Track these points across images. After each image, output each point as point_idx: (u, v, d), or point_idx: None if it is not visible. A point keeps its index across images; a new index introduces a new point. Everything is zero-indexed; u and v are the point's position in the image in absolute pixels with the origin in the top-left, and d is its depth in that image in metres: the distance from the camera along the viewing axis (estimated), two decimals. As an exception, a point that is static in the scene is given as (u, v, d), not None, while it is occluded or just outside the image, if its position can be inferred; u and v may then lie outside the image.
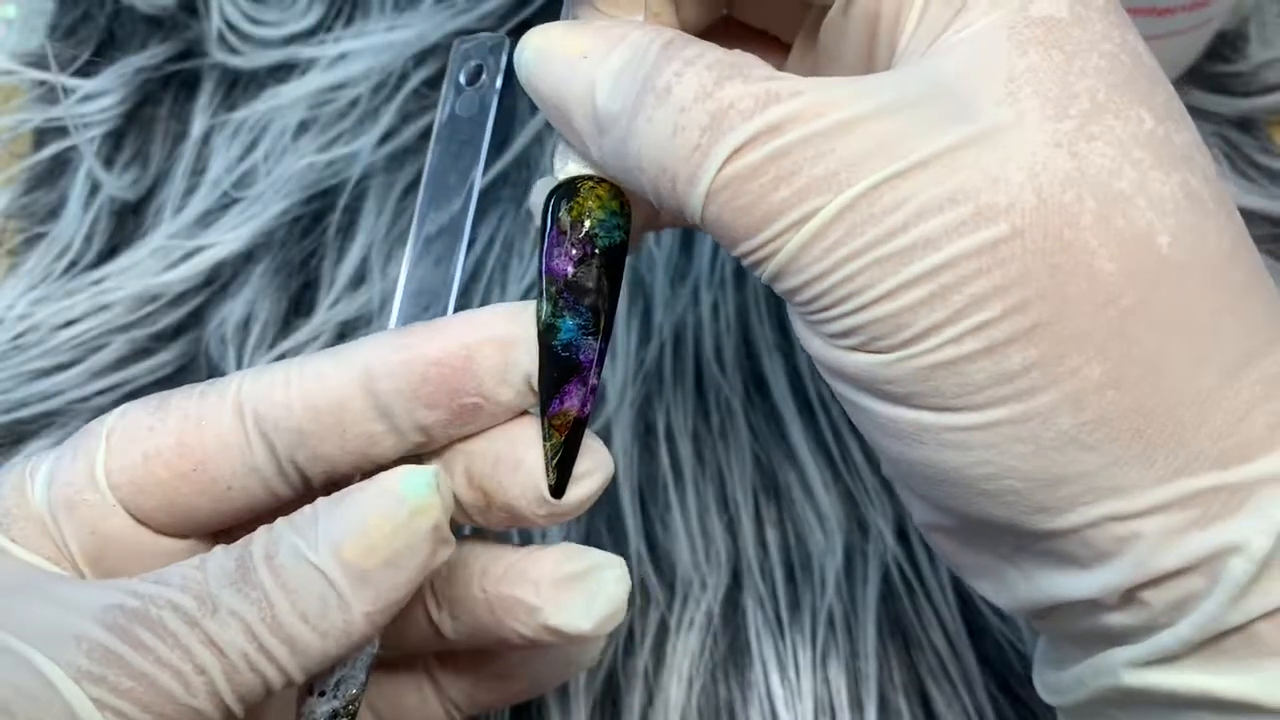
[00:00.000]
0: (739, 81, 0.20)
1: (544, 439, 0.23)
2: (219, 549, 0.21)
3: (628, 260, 0.25)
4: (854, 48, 0.23)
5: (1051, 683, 0.23)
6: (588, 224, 0.23)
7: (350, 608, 0.20)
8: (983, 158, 0.19)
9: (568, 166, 0.23)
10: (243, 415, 0.22)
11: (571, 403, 0.23)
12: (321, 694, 0.23)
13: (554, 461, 0.23)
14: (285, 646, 0.20)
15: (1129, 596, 0.20)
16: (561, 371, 0.23)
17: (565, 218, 0.23)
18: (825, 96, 0.19)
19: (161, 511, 0.22)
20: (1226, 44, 0.45)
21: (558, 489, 0.23)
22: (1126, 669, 0.20)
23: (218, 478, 0.22)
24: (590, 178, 0.23)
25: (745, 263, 0.21)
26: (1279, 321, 0.20)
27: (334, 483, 0.23)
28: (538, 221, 0.25)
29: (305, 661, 0.20)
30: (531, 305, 0.23)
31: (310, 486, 0.23)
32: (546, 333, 0.23)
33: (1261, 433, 0.19)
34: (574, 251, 0.23)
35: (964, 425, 0.19)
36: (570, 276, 0.23)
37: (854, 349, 0.20)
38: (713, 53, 0.21)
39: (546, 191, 0.24)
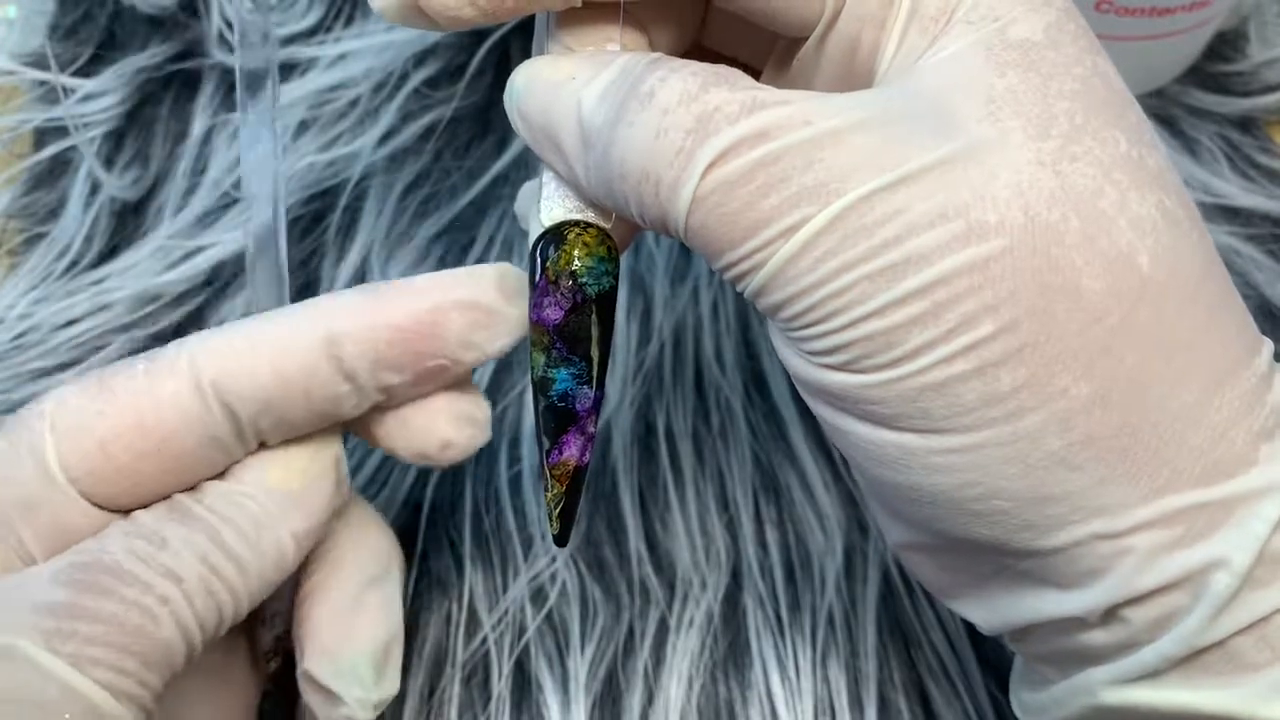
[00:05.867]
0: (725, 88, 0.20)
1: (545, 489, 0.23)
2: (139, 510, 0.23)
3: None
4: (828, 76, 0.23)
5: (1028, 703, 0.23)
6: (576, 272, 0.22)
7: (280, 526, 0.23)
8: (970, 174, 0.19)
9: (553, 212, 0.23)
10: (201, 388, 0.22)
11: (571, 452, 0.23)
12: (262, 621, 0.27)
13: (556, 511, 0.23)
14: (233, 565, 0.22)
15: (1111, 614, 0.20)
16: (559, 422, 0.23)
17: (553, 266, 0.22)
18: (811, 107, 0.19)
19: (124, 494, 0.22)
20: (1226, 44, 0.45)
21: (561, 537, 0.24)
22: (1106, 687, 0.20)
23: (181, 452, 0.22)
24: (577, 223, 0.23)
25: (729, 275, 0.20)
26: (1250, 338, 0.20)
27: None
28: (523, 225, 0.25)
29: (249, 583, 0.22)
30: (489, 267, 0.24)
31: (265, 447, 0.24)
32: (541, 384, 0.23)
33: (1241, 449, 0.19)
34: (564, 300, 0.22)
35: (951, 447, 0.19)
36: (561, 326, 0.22)
37: (839, 368, 0.20)
38: (697, 64, 0.21)
39: (532, 197, 0.24)
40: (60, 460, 0.22)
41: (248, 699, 0.27)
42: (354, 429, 0.25)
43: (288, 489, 0.23)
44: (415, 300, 0.23)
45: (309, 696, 0.25)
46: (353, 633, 0.25)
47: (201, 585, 0.21)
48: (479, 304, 0.23)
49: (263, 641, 0.27)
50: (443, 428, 0.25)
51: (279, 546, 0.23)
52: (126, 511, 0.23)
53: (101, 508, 0.22)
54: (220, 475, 0.23)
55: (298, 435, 0.24)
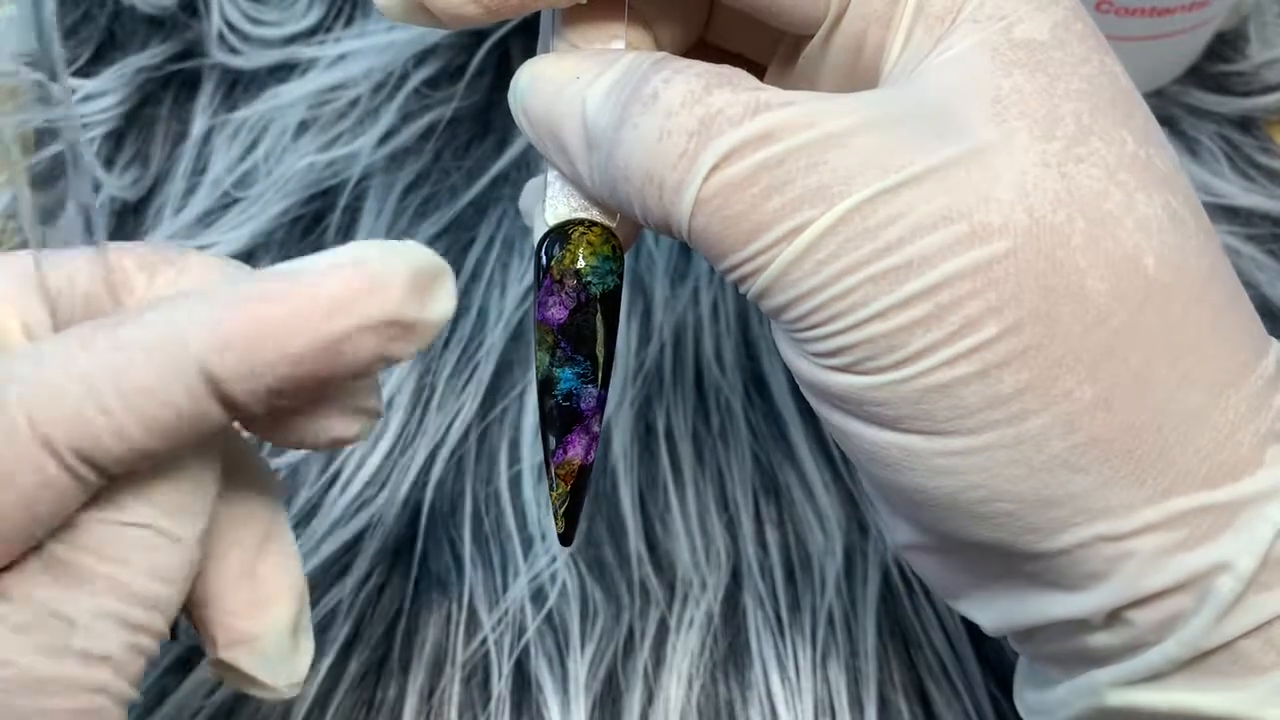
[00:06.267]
0: (728, 89, 0.20)
1: (550, 488, 0.23)
2: (9, 582, 0.18)
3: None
4: (834, 74, 0.23)
5: (1033, 703, 0.23)
6: (581, 271, 0.22)
7: (187, 545, 0.19)
8: (974, 176, 0.19)
9: (558, 211, 0.23)
10: (58, 454, 0.17)
11: (575, 451, 0.23)
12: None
13: (561, 510, 0.23)
14: (153, 611, 0.19)
15: (1115, 616, 0.20)
16: (564, 421, 0.23)
17: (558, 266, 0.22)
18: (815, 108, 0.19)
19: None
20: (1226, 44, 0.45)
21: (566, 537, 0.23)
22: (1111, 689, 0.20)
23: (39, 514, 0.18)
24: (581, 222, 0.23)
25: (732, 277, 0.20)
26: (1258, 340, 0.20)
27: None
28: (527, 222, 0.25)
29: (170, 613, 0.19)
30: (400, 261, 0.19)
31: None
32: (546, 384, 0.22)
33: (1247, 452, 0.19)
34: (568, 300, 0.22)
35: (954, 450, 0.19)
36: (566, 325, 0.22)
37: (843, 370, 0.20)
38: (702, 65, 0.20)
39: (537, 193, 0.24)
40: None
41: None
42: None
43: (177, 499, 0.19)
44: (315, 326, 0.18)
45: (227, 678, 0.22)
46: (264, 610, 0.22)
47: (129, 653, 0.18)
48: (393, 320, 0.19)
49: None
50: (334, 426, 0.21)
51: (190, 561, 0.20)
52: None
53: None
54: (89, 503, 0.19)
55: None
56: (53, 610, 0.18)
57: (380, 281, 0.19)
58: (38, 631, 0.17)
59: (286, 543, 0.23)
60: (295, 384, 0.19)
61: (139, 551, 0.19)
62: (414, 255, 0.19)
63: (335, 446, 0.21)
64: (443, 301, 0.20)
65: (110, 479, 0.19)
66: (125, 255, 0.21)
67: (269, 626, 0.21)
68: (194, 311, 0.18)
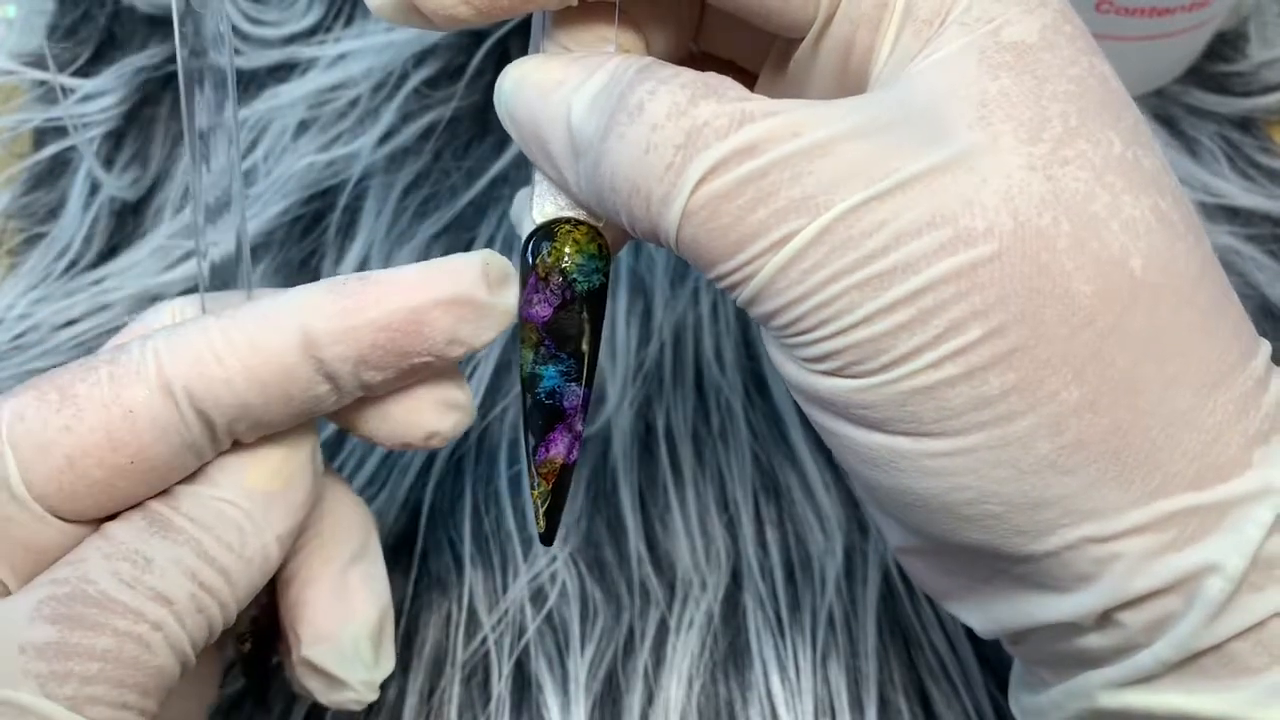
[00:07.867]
0: (713, 100, 0.20)
1: (532, 487, 0.23)
2: (113, 523, 0.21)
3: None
4: (824, 78, 0.23)
5: (1028, 706, 0.23)
6: (566, 268, 0.22)
7: (265, 531, 0.22)
8: (959, 181, 0.19)
9: (545, 209, 0.23)
10: (174, 395, 0.21)
11: (557, 450, 0.23)
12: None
13: (543, 509, 0.23)
14: (221, 578, 0.21)
15: (1106, 618, 0.20)
16: (546, 419, 0.23)
17: (543, 263, 0.22)
18: (800, 117, 0.19)
19: (96, 507, 0.21)
20: (1226, 44, 0.45)
21: (548, 536, 0.24)
22: (1103, 691, 0.20)
23: (156, 464, 0.21)
24: (568, 220, 0.23)
25: (721, 285, 0.20)
26: (1248, 341, 0.20)
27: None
28: (518, 230, 0.25)
29: (237, 592, 0.22)
30: (473, 256, 0.23)
31: (239, 443, 0.23)
32: (529, 381, 0.23)
33: (1235, 453, 0.19)
34: (553, 297, 0.22)
35: (941, 451, 0.19)
36: (550, 322, 0.22)
37: (830, 374, 0.20)
38: (687, 74, 0.20)
39: (526, 202, 0.24)
40: (25, 479, 0.20)
41: (212, 677, 0.26)
42: (331, 418, 0.25)
43: (267, 489, 0.23)
44: (397, 298, 0.22)
45: (308, 681, 0.24)
46: (348, 615, 0.24)
47: (192, 604, 0.21)
48: (465, 299, 0.22)
49: (239, 622, 0.26)
50: (427, 418, 0.24)
51: (264, 552, 0.22)
52: (96, 521, 0.22)
53: (70, 521, 0.21)
54: (191, 476, 0.22)
55: (274, 432, 0.23)
56: (136, 548, 0.21)
57: (456, 270, 0.22)
58: (119, 561, 0.20)
59: (376, 564, 0.26)
60: (382, 354, 0.22)
61: (223, 523, 0.22)
62: (487, 255, 0.23)
63: (431, 445, 0.25)
64: (509, 295, 0.23)
65: (217, 448, 0.22)
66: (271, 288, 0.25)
67: (349, 625, 0.24)
68: (304, 291, 0.22)
